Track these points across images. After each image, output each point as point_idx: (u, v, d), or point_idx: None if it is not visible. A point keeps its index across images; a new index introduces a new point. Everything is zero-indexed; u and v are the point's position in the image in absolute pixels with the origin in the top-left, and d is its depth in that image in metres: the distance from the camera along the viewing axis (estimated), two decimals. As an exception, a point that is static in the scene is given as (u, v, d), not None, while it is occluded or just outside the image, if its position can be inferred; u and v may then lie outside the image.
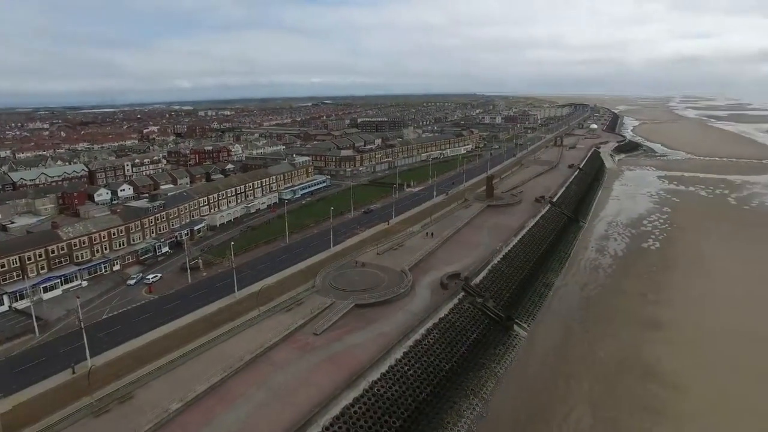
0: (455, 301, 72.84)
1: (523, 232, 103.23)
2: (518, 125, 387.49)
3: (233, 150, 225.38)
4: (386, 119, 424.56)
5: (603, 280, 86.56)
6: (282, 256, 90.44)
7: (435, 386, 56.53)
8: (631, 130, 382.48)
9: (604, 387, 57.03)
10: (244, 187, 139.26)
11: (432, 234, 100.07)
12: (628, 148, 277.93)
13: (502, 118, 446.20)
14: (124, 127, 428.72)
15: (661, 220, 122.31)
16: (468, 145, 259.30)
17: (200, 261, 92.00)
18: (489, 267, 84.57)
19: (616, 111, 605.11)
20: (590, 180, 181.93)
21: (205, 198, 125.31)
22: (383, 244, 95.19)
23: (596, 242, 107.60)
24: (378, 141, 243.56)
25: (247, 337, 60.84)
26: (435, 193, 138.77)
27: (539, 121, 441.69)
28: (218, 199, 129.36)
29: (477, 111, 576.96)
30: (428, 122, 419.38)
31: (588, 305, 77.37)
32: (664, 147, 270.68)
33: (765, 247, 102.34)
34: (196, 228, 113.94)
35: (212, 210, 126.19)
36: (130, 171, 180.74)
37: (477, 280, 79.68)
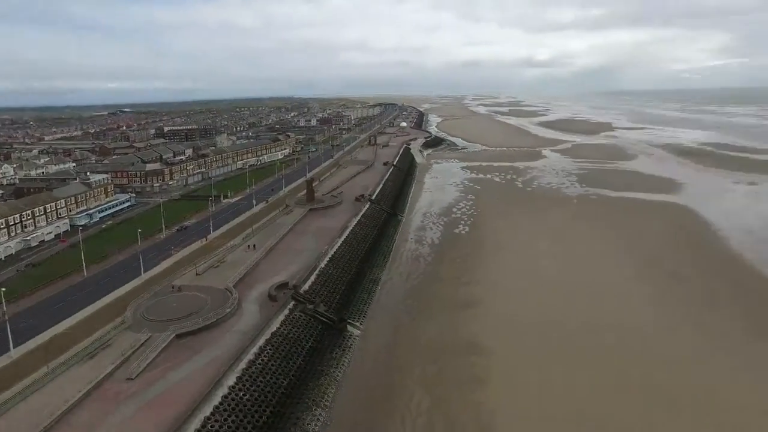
0: (286, 312, 70.05)
1: (347, 232, 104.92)
2: (333, 126, 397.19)
3: (1, 171, 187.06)
4: (197, 127, 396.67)
5: (423, 268, 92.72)
6: (79, 294, 76.75)
7: (275, 406, 53.39)
8: (436, 127, 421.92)
9: (434, 369, 60.70)
10: (20, 216, 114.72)
11: (254, 246, 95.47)
12: (434, 143, 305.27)
13: (317, 120, 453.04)
14: None
15: (468, 207, 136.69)
16: (285, 149, 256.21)
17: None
18: (317, 272, 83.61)
19: (421, 109, 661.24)
20: (404, 175, 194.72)
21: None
22: (202, 262, 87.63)
23: (415, 233, 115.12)
24: (189, 151, 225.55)
25: (34, 404, 49.21)
26: (254, 202, 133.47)
27: (353, 122, 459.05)
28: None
29: (292, 114, 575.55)
30: (243, 128, 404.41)
31: (412, 295, 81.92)
32: (463, 140, 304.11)
33: (545, 220, 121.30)
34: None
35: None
36: None
37: (306, 286, 78.03)
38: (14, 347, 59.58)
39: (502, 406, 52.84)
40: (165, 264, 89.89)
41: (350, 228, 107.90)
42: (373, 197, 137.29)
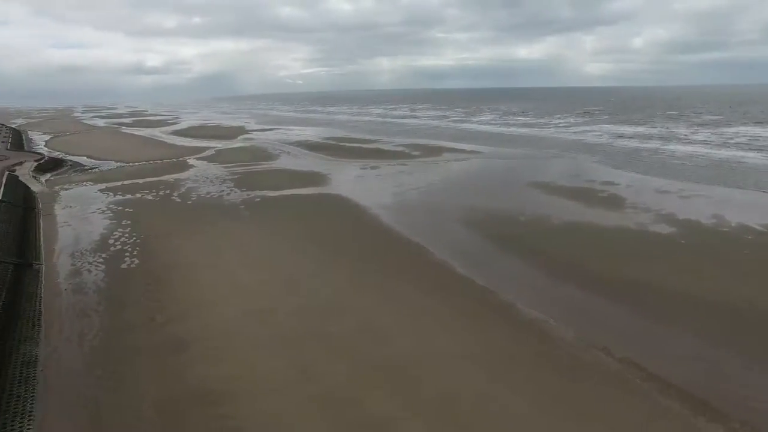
0: None
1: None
2: None
3: None
4: None
5: (100, 322, 72.21)
6: None
7: None
8: (45, 146, 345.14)
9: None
10: None
11: None
12: (52, 165, 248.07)
13: None
14: None
15: (127, 235, 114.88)
16: None
17: None
18: None
19: (14, 126, 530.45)
20: (22, 211, 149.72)
21: None
22: None
23: (68, 282, 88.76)
24: None
25: None
26: None
27: None
28: None
29: None
30: None
31: (97, 361, 61.44)
32: (90, 159, 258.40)
33: (221, 230, 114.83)
34: None
35: None
36: None
37: None
38: None
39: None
40: None
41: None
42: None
